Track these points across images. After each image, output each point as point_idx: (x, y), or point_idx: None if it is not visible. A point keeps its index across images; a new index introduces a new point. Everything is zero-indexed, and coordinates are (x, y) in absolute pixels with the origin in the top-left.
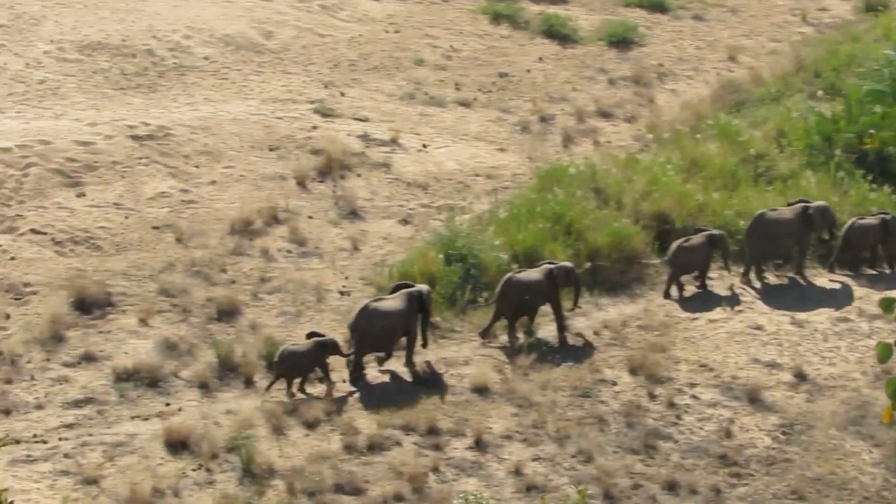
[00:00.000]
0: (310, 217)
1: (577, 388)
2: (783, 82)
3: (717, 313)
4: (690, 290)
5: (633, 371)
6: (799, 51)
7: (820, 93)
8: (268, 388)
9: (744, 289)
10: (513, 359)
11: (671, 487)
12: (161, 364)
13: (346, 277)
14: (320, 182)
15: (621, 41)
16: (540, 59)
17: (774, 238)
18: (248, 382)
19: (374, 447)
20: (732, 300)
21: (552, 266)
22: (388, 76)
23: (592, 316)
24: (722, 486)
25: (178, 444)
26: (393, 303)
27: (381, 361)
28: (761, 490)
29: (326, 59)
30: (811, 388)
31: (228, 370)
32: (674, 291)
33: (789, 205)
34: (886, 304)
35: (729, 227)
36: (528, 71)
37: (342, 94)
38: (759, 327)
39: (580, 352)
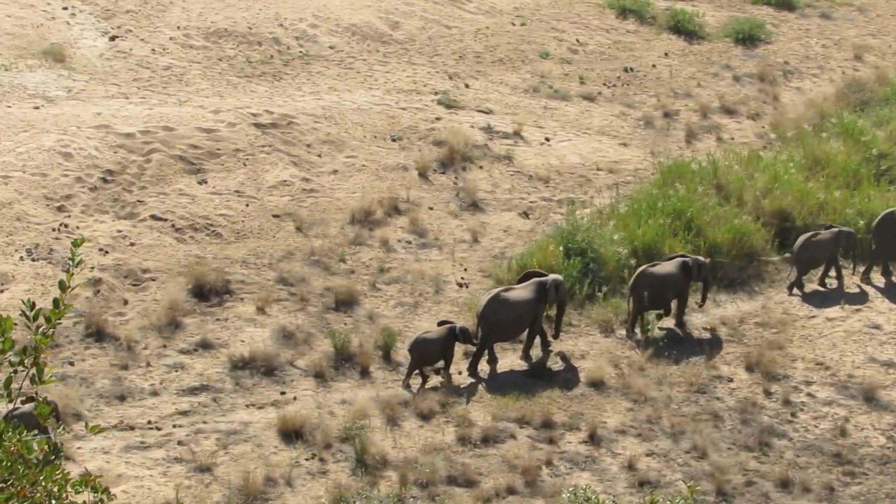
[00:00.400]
0: (430, 208)
1: (693, 384)
2: None
3: (835, 311)
4: (813, 286)
5: (750, 368)
6: None
7: None
8: (407, 377)
9: (860, 287)
10: (630, 354)
11: (784, 485)
12: (277, 353)
13: (465, 269)
14: (442, 173)
15: (748, 38)
16: (665, 54)
17: None
18: (364, 373)
19: (489, 439)
20: (853, 298)
21: (686, 258)
22: (513, 69)
23: (710, 312)
24: (835, 485)
25: (292, 434)
26: (522, 292)
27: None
28: (875, 489)
29: (452, 51)
30: None
31: (344, 360)
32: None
33: None
34: None
35: (854, 225)
36: (654, 66)
37: (466, 86)
38: (877, 326)
39: (697, 348)
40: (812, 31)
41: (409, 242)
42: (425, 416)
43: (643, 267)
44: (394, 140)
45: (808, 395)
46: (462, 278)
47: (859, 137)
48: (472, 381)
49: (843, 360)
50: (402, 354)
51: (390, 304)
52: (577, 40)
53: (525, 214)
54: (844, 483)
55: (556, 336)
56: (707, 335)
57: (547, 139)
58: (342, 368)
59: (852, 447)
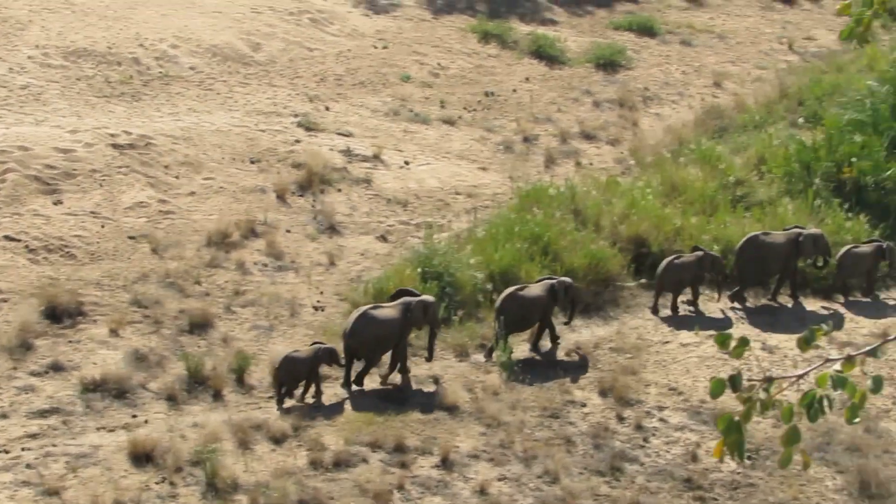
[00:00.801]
0: (288, 231)
1: (547, 408)
2: (766, 110)
3: (690, 337)
4: (664, 311)
5: (604, 393)
6: (783, 79)
7: (801, 121)
8: (278, 400)
9: (733, 309)
10: (483, 378)
11: None
12: (129, 375)
13: (321, 293)
14: (300, 196)
15: (608, 64)
16: (527, 79)
17: (764, 261)
18: (217, 396)
19: (340, 463)
20: (715, 323)
21: (553, 281)
22: (374, 92)
23: (566, 337)
24: None
25: (142, 457)
26: (390, 311)
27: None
28: None
29: (313, 73)
30: (777, 414)
31: (198, 383)
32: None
33: (785, 230)
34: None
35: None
36: (514, 91)
37: (327, 109)
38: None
39: (550, 372)
40: (672, 57)
41: (266, 265)
42: (277, 440)
43: (510, 289)
44: (252, 162)
45: (661, 420)
46: (318, 301)
47: (717, 164)
48: (346, 396)
49: (696, 385)
50: (255, 378)
51: (245, 326)
52: (439, 64)
53: (383, 238)
54: None
55: (429, 359)
56: (566, 359)
57: (406, 163)
58: (195, 391)
59: (703, 472)
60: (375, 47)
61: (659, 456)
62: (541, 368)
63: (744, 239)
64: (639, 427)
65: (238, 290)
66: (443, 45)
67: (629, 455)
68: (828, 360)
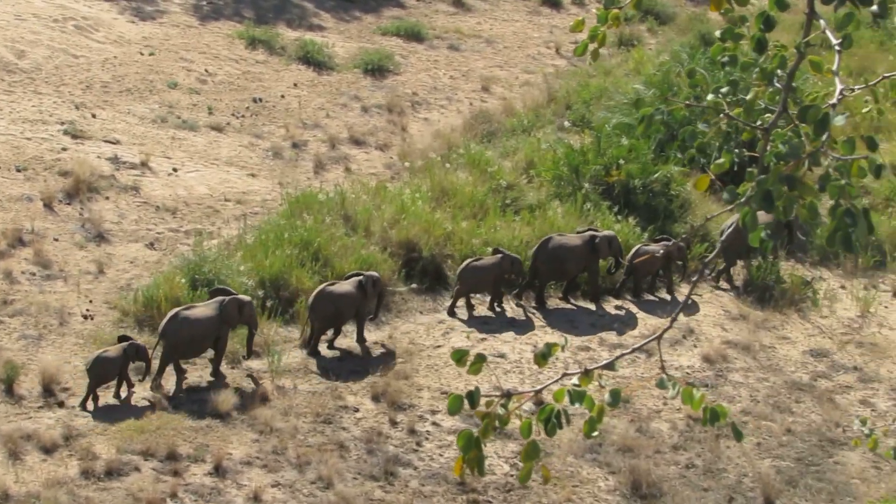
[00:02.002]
0: (55, 239)
1: (320, 414)
2: (535, 114)
3: (462, 341)
4: (433, 315)
5: (376, 398)
6: (551, 83)
7: (567, 124)
8: (84, 401)
9: (533, 313)
10: (255, 384)
11: None
12: None
13: (91, 301)
14: (67, 204)
15: (377, 69)
16: (295, 84)
17: (561, 262)
18: None
19: (113, 473)
20: (510, 325)
21: (361, 276)
22: (141, 99)
23: (337, 342)
24: None
25: None
26: (204, 310)
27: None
28: None
29: (79, 81)
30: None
31: None
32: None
33: (578, 232)
34: (457, 357)
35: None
36: (283, 97)
37: (94, 116)
38: (502, 355)
39: (323, 377)
40: (440, 62)
41: (34, 274)
42: (48, 450)
43: (321, 286)
44: (18, 170)
45: (434, 424)
46: (87, 310)
47: (486, 168)
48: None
49: (469, 389)
50: (24, 388)
51: (13, 336)
52: (206, 70)
53: (152, 245)
54: None
55: (246, 357)
56: (335, 364)
57: (175, 169)
58: None
59: (476, 476)
60: (142, 54)
61: (432, 460)
62: (313, 374)
63: (540, 241)
64: (412, 431)
65: (5, 300)
66: (210, 52)
67: (403, 459)
68: (565, 374)
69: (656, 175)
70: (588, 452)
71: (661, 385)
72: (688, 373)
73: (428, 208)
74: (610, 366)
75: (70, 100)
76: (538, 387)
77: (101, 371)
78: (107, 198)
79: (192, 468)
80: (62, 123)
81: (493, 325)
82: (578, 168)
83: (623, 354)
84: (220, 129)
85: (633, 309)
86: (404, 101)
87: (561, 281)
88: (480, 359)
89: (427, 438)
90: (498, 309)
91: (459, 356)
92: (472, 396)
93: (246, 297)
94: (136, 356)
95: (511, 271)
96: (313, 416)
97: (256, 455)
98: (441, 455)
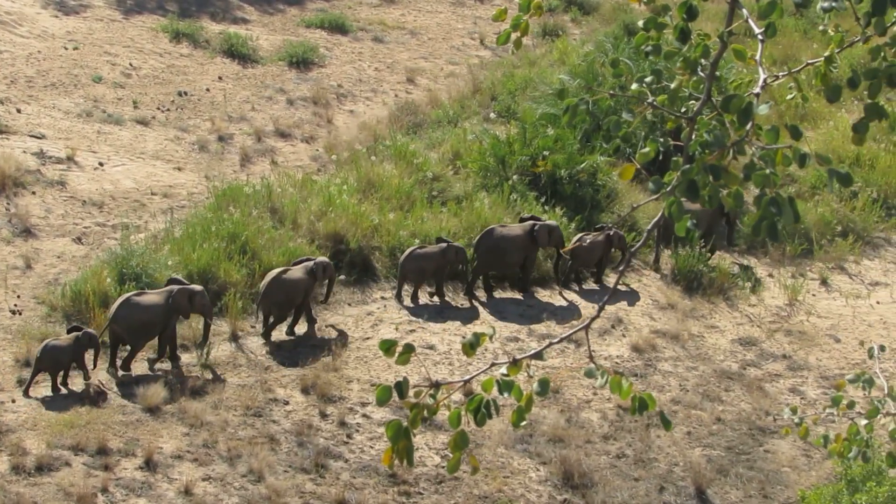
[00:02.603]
0: None
1: (250, 407)
2: (460, 105)
3: (391, 332)
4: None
5: (306, 390)
6: (476, 74)
7: (493, 115)
8: (27, 386)
9: (470, 302)
10: (184, 378)
11: None
12: None
13: (18, 296)
14: None
15: (301, 62)
16: (220, 78)
17: (502, 252)
18: None
19: (43, 467)
20: (454, 314)
21: (310, 261)
22: (66, 93)
23: (272, 334)
24: None
25: None
26: (154, 297)
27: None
28: None
29: (3, 75)
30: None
31: None
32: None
33: (521, 221)
34: (385, 347)
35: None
36: (208, 90)
37: (18, 111)
38: (431, 347)
39: (253, 370)
40: (365, 54)
41: None
42: None
43: (272, 273)
44: None
45: (364, 416)
46: (15, 305)
47: (412, 160)
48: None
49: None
50: None
51: None
52: (131, 64)
53: (79, 240)
54: (400, 503)
55: (201, 346)
56: (264, 357)
57: (101, 164)
58: None
59: (407, 467)
60: (66, 48)
61: (363, 452)
62: (242, 367)
63: (482, 231)
64: (342, 424)
65: None
66: (134, 46)
67: (333, 452)
68: (493, 364)
69: (582, 165)
70: (519, 443)
71: (589, 374)
72: (617, 362)
73: (355, 200)
74: (538, 355)
75: None
76: (467, 377)
77: (51, 360)
78: (33, 192)
79: (122, 462)
80: None
81: (424, 315)
82: (505, 159)
83: (551, 343)
84: (145, 122)
85: (574, 299)
86: (329, 94)
87: (501, 272)
88: (408, 349)
89: (357, 431)
90: (438, 300)
91: (387, 346)
92: (401, 387)
93: (198, 287)
94: (88, 344)
95: (455, 261)
96: (243, 409)
97: (187, 449)
98: (372, 447)
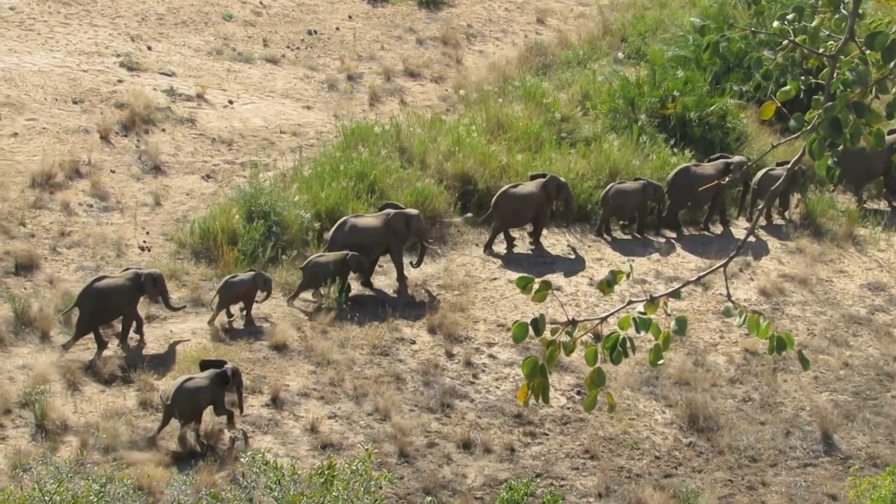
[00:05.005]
0: (112, 171)
1: (376, 346)
2: (590, 46)
3: (519, 273)
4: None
5: (432, 330)
6: (606, 15)
7: (622, 56)
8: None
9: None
10: (313, 316)
11: (466, 446)
12: None
13: (147, 233)
14: (124, 136)
15: (431, 1)
16: (349, 17)
17: (691, 189)
18: (45, 337)
19: None
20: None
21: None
22: (196, 31)
23: (391, 274)
24: (516, 445)
25: None
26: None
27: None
28: (555, 449)
29: (134, 13)
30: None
31: (24, 325)
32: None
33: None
34: (522, 284)
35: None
36: (337, 29)
37: (149, 48)
38: (558, 288)
39: (380, 310)
40: None
41: (91, 206)
42: (107, 381)
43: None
44: (75, 103)
45: (490, 356)
46: (144, 242)
47: (541, 100)
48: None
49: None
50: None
51: (71, 268)
52: (261, 2)
53: (208, 177)
54: (525, 444)
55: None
56: (391, 297)
57: (230, 102)
58: (22, 333)
59: (533, 408)
60: None
61: (489, 392)
62: (370, 306)
63: (676, 169)
64: (468, 364)
65: (63, 231)
66: None
67: (459, 392)
68: (630, 302)
69: (712, 108)
70: (645, 385)
71: (727, 313)
72: (745, 306)
73: (483, 141)
74: (676, 293)
75: (125, 32)
76: (604, 314)
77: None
78: (163, 130)
79: (249, 399)
80: (118, 56)
81: (547, 259)
82: (634, 101)
83: (688, 282)
84: (275, 61)
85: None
86: (459, 34)
87: (693, 210)
88: (546, 286)
89: (483, 371)
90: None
91: (525, 283)
92: (538, 323)
93: (414, 211)
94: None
95: (654, 198)
96: (370, 348)
97: (313, 387)
98: (497, 387)
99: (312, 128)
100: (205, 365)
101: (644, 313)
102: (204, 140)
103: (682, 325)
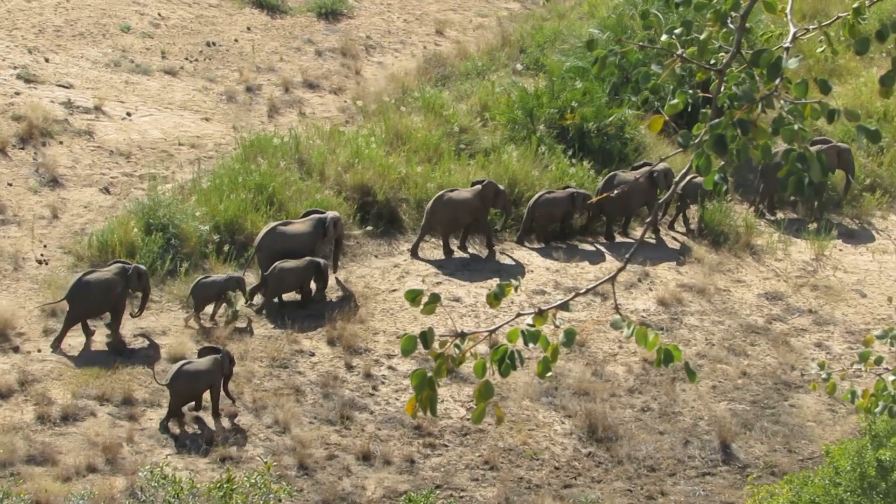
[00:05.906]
0: (9, 184)
1: (276, 358)
2: (489, 57)
3: (418, 284)
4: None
5: (332, 342)
6: (505, 26)
7: (521, 67)
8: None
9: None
10: (211, 329)
11: (366, 458)
12: None
13: (45, 246)
14: (21, 149)
15: (330, 13)
16: (248, 28)
17: (626, 197)
18: None
19: (68, 417)
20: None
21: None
22: (94, 43)
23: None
24: (416, 457)
25: None
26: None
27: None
28: (454, 461)
29: (31, 25)
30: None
31: None
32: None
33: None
34: (411, 297)
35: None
36: (236, 41)
37: (46, 60)
38: (457, 299)
39: (278, 322)
40: (394, 5)
41: None
42: (3, 395)
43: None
44: None
45: (389, 368)
46: (42, 255)
47: (440, 112)
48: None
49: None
50: None
51: None
52: (159, 14)
53: (106, 190)
54: (425, 455)
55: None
56: (290, 309)
57: (128, 114)
58: None
59: (432, 420)
60: None
61: (388, 404)
62: (269, 318)
63: (604, 179)
64: (368, 375)
65: None
66: None
67: (359, 404)
68: (519, 314)
69: (611, 118)
70: (544, 396)
71: (615, 325)
72: (643, 316)
73: (382, 152)
74: (564, 306)
75: (23, 44)
76: (492, 327)
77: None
78: (60, 143)
79: (148, 413)
80: (15, 68)
81: (450, 267)
82: (533, 111)
83: (577, 294)
84: (173, 73)
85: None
86: (358, 45)
87: (623, 217)
88: (434, 298)
89: (383, 382)
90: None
91: (413, 296)
92: (426, 336)
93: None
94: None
95: (582, 206)
96: (269, 360)
97: None
98: (397, 399)
99: (211, 140)
100: (203, 352)
101: (533, 325)
102: (102, 152)
103: (570, 337)
